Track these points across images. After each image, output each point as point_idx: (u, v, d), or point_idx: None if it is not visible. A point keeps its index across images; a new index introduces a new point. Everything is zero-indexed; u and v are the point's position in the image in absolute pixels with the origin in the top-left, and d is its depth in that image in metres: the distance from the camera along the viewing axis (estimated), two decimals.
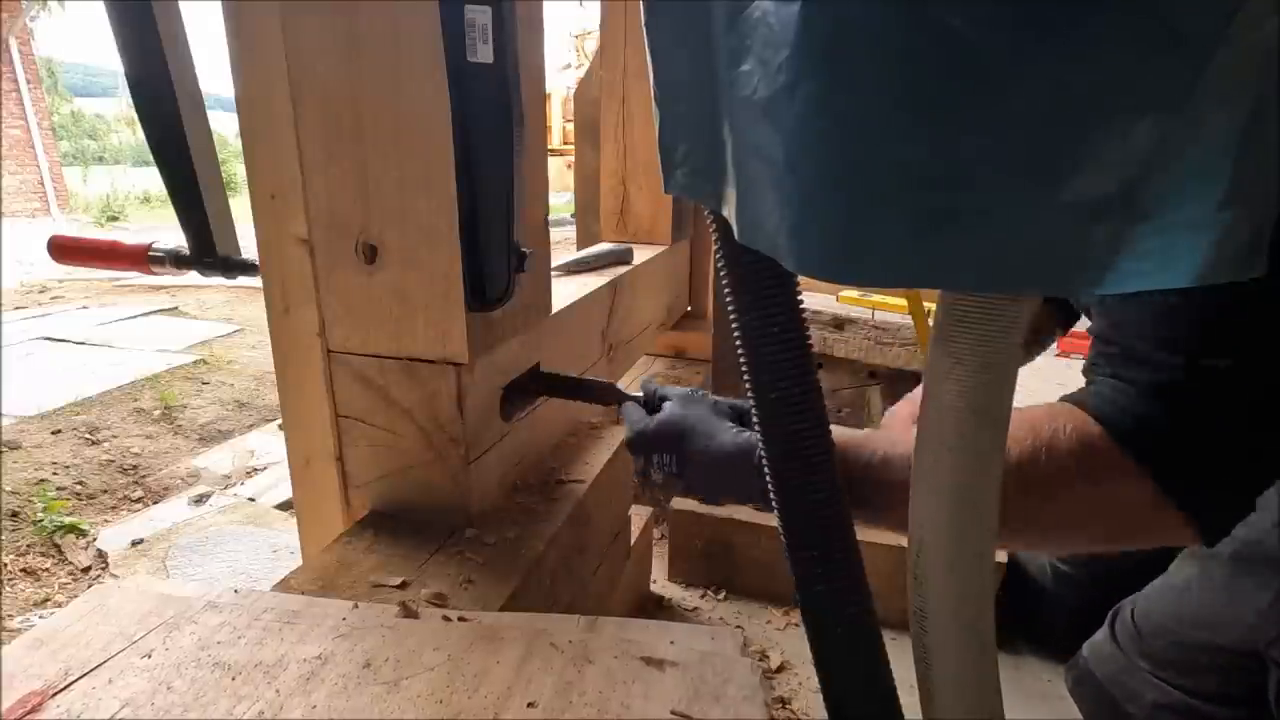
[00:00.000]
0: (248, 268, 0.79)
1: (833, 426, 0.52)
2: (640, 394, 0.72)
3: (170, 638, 0.49)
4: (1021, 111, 0.26)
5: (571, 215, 2.68)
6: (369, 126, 0.63)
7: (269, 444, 2.11)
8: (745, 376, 0.49)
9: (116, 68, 0.74)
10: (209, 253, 0.79)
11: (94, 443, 2.11)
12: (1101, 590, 0.97)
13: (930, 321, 0.43)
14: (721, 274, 0.48)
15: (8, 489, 1.78)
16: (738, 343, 0.49)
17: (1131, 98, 0.25)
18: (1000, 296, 0.35)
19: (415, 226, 0.65)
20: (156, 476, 1.94)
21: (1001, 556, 1.13)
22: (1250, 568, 0.74)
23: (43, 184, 9.71)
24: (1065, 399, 0.56)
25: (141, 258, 0.83)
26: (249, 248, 0.77)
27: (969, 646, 0.44)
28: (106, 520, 1.72)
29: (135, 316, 3.82)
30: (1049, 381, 2.38)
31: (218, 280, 0.85)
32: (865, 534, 0.52)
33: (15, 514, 1.68)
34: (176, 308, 4.05)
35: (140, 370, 2.77)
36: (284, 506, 1.72)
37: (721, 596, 1.22)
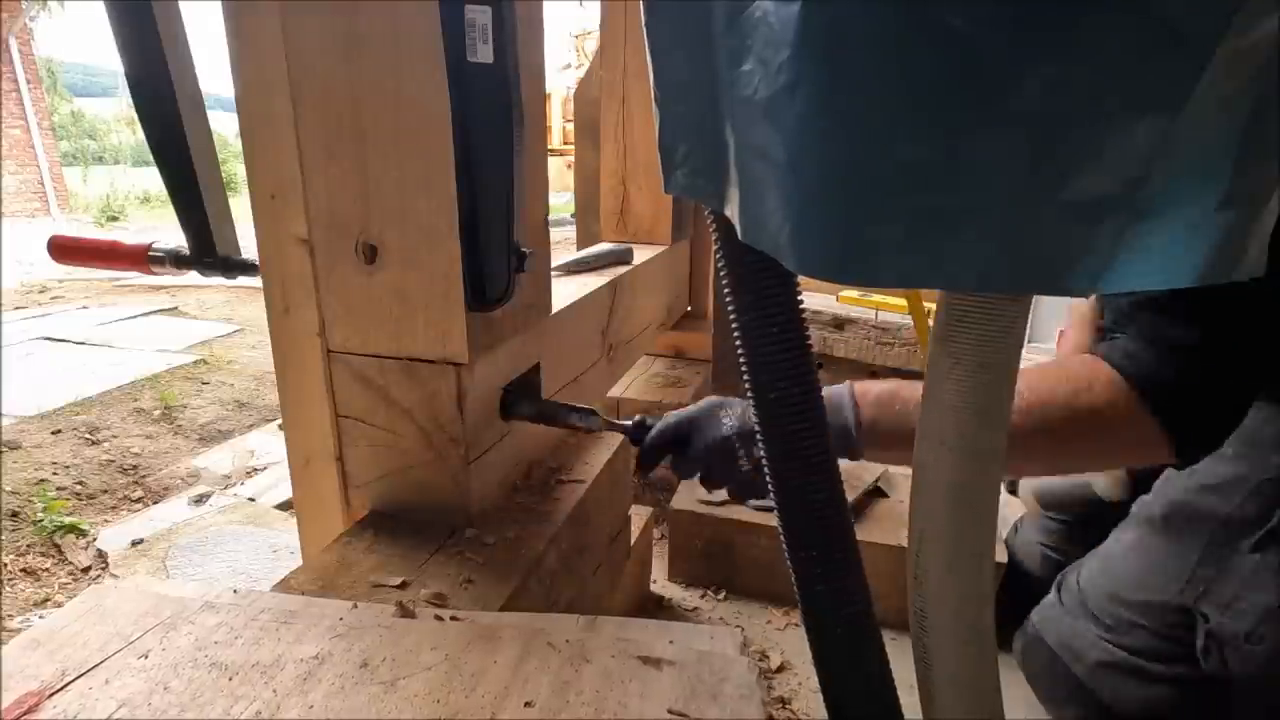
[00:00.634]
0: (248, 268, 0.79)
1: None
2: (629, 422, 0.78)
3: (167, 638, 0.49)
4: (1021, 111, 0.26)
5: (571, 215, 2.68)
6: (369, 126, 0.63)
7: (269, 444, 2.11)
8: (745, 376, 0.49)
9: (116, 68, 0.74)
10: (209, 253, 0.79)
11: (94, 443, 2.11)
12: None
13: (930, 321, 0.43)
14: (721, 274, 0.48)
15: (8, 489, 1.78)
16: (738, 343, 0.49)
17: (1131, 98, 0.25)
18: (1000, 296, 0.35)
19: (415, 226, 0.65)
20: (156, 476, 1.94)
21: (1001, 556, 1.13)
22: (1180, 528, 0.80)
23: (43, 184, 9.71)
24: (1093, 351, 0.68)
25: (141, 258, 0.83)
26: (249, 248, 0.77)
27: (969, 646, 0.44)
28: (106, 520, 1.72)
29: (135, 316, 3.82)
30: None
31: (218, 280, 0.85)
32: (865, 534, 0.52)
33: (15, 514, 1.68)
34: (176, 308, 4.04)
35: (140, 370, 2.77)
36: (284, 506, 1.72)
37: (721, 596, 1.22)
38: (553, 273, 0.99)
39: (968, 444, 0.39)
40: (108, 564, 1.53)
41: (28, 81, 9.33)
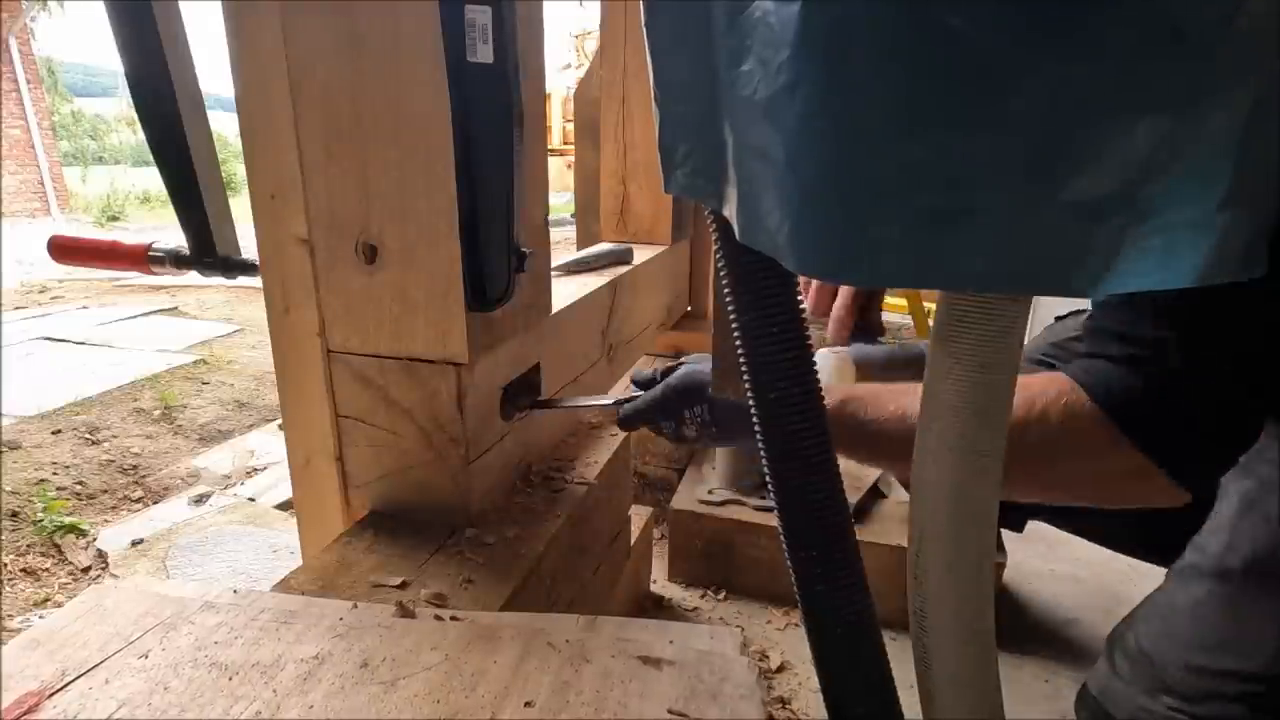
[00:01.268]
0: (248, 268, 0.78)
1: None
2: (632, 388, 0.81)
3: (167, 638, 0.49)
4: (1022, 111, 0.26)
5: (571, 215, 2.67)
6: (369, 126, 0.63)
7: (269, 444, 2.11)
8: (745, 376, 0.49)
9: (116, 68, 0.74)
10: (209, 253, 0.79)
11: (94, 443, 2.11)
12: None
13: (930, 321, 0.43)
14: (721, 274, 0.48)
15: (8, 489, 1.78)
16: (738, 343, 0.49)
17: (1131, 98, 0.25)
18: (1000, 296, 0.35)
19: (415, 226, 0.65)
20: (156, 476, 1.94)
21: (1001, 557, 1.13)
22: (1266, 584, 0.69)
23: (43, 184, 9.71)
24: (1061, 368, 0.62)
25: (141, 258, 0.83)
26: (249, 248, 0.76)
27: (969, 646, 0.44)
28: (106, 520, 1.72)
29: (135, 316, 3.82)
30: None
31: (218, 280, 0.85)
32: (865, 534, 0.52)
33: (15, 514, 1.68)
34: (176, 308, 4.04)
35: (140, 370, 2.77)
36: (284, 506, 1.72)
37: (721, 596, 1.22)
38: (553, 273, 0.99)
39: (968, 444, 0.39)
40: (108, 564, 1.53)
41: (28, 81, 9.33)
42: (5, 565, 1.50)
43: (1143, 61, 0.25)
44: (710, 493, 1.25)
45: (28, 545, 1.58)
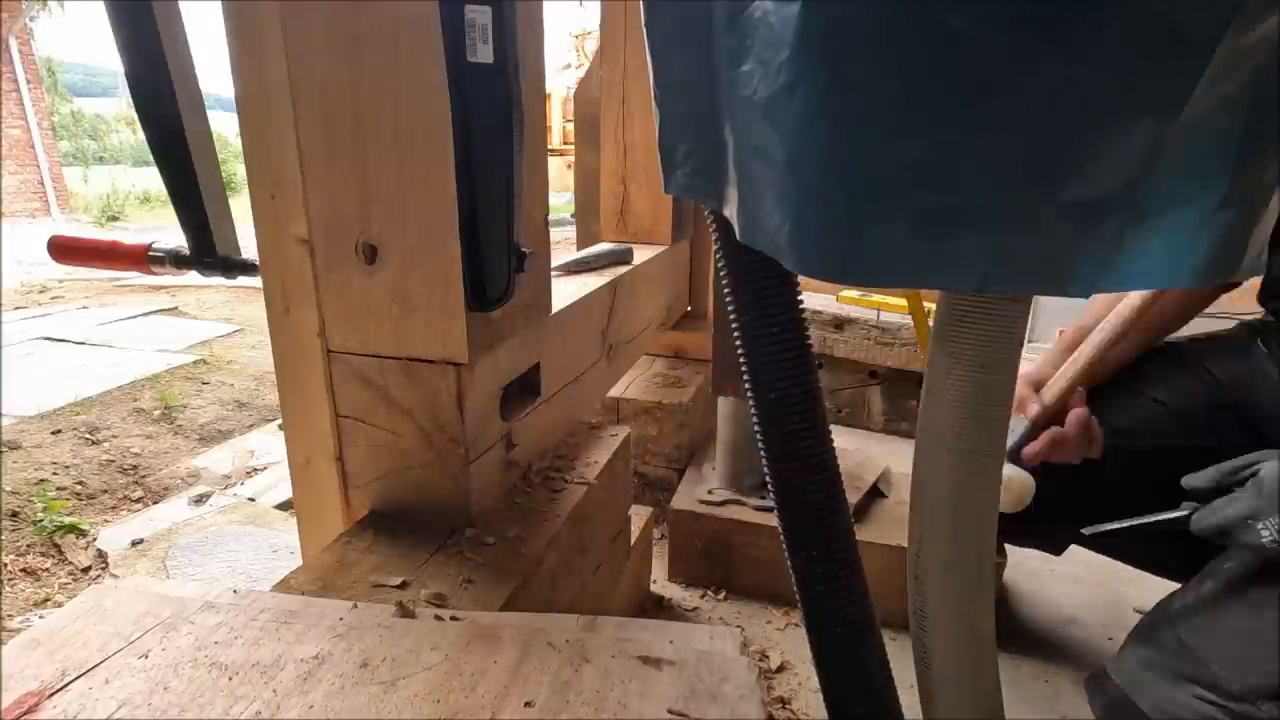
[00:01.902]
0: (248, 268, 0.78)
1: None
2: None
3: (167, 638, 0.49)
4: (1021, 111, 0.26)
5: (571, 215, 2.67)
6: (369, 126, 0.63)
7: (269, 444, 2.11)
8: (745, 376, 0.49)
9: (116, 68, 0.74)
10: (209, 253, 0.79)
11: (94, 443, 2.11)
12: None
13: (930, 321, 0.43)
14: (721, 274, 0.48)
15: (8, 489, 1.78)
16: (738, 343, 0.49)
17: (1131, 98, 0.25)
18: (1000, 296, 0.35)
19: (415, 226, 0.65)
20: (156, 476, 1.94)
21: (1001, 557, 1.13)
22: None
23: (43, 184, 9.70)
24: None
25: (141, 258, 0.83)
26: (249, 248, 0.76)
27: (969, 646, 0.44)
28: (106, 520, 1.72)
29: (135, 316, 3.82)
30: None
31: (218, 280, 0.85)
32: (865, 534, 0.52)
33: (15, 514, 1.68)
34: (176, 308, 4.04)
35: (140, 370, 2.77)
36: (284, 506, 1.72)
37: (721, 596, 1.22)
38: (553, 273, 0.99)
39: (968, 444, 0.39)
40: (108, 564, 1.53)
41: (28, 81, 9.32)
42: (5, 565, 1.50)
43: (1143, 61, 0.25)
44: (710, 493, 1.25)
45: (28, 545, 1.58)
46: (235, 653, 0.48)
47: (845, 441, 1.51)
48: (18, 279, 4.88)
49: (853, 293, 2.05)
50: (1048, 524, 0.93)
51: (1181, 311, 0.96)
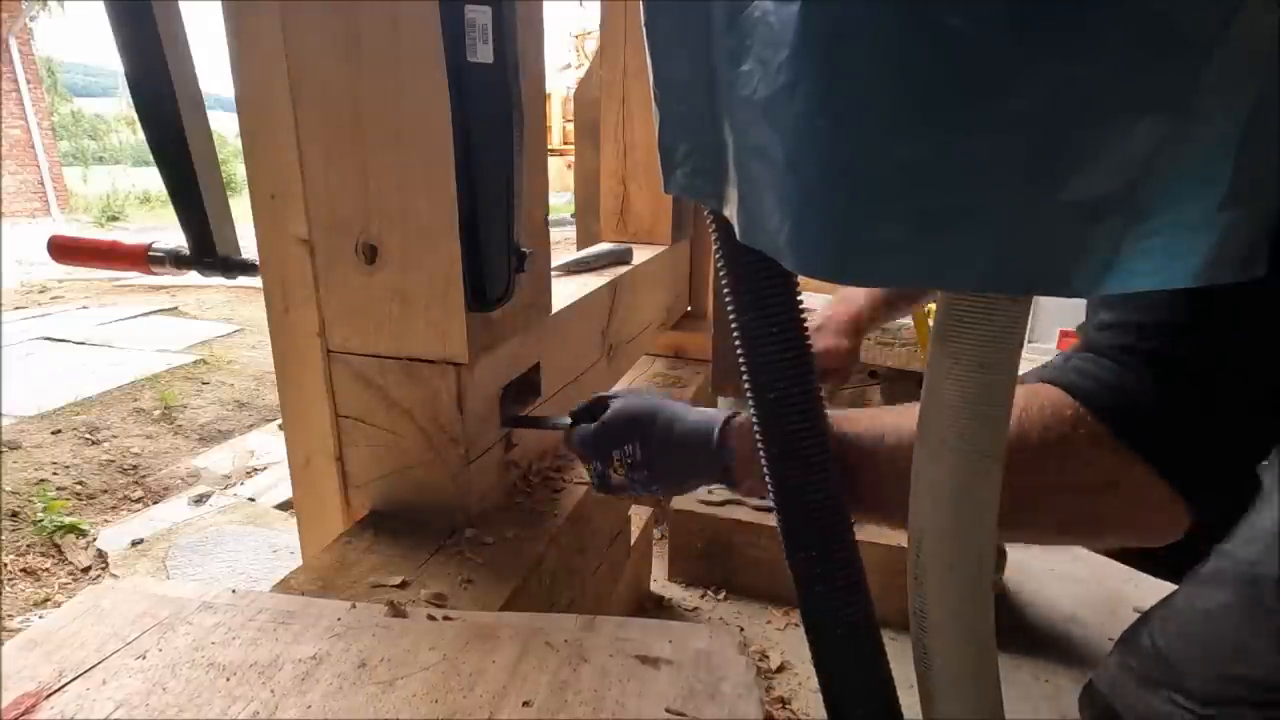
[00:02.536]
0: (248, 268, 0.78)
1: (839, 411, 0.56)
2: (569, 414, 0.71)
3: (165, 638, 0.49)
4: (1021, 111, 0.26)
5: (571, 215, 2.68)
6: (369, 126, 0.63)
7: (269, 444, 2.11)
8: (745, 376, 0.49)
9: (116, 68, 0.74)
10: (209, 253, 0.79)
11: (94, 443, 2.11)
12: None
13: (930, 321, 0.43)
14: (721, 274, 0.48)
15: (8, 489, 1.78)
16: (737, 343, 0.49)
17: (1131, 98, 0.25)
18: (1000, 296, 0.35)
19: (415, 226, 0.64)
20: (156, 476, 1.94)
21: (1001, 557, 1.13)
22: None
23: (43, 184, 9.71)
24: (1042, 378, 0.54)
25: (141, 258, 0.83)
26: (249, 248, 0.76)
27: (969, 646, 0.44)
28: (106, 520, 1.72)
29: (135, 316, 3.82)
30: None
31: (218, 280, 0.85)
32: (865, 534, 0.52)
33: (15, 514, 1.68)
34: (176, 308, 4.05)
35: (140, 370, 2.77)
36: (284, 506, 1.72)
37: (721, 596, 1.22)
38: (553, 273, 0.99)
39: (968, 444, 0.39)
40: (108, 564, 1.53)
41: (28, 81, 9.33)
42: (5, 565, 1.50)
43: (1143, 61, 0.25)
44: (710, 493, 1.25)
45: (28, 545, 1.58)
46: (233, 653, 0.48)
47: None
48: (18, 279, 4.88)
49: None
50: None
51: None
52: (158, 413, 2.36)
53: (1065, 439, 0.49)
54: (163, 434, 2.22)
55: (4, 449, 2.01)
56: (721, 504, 1.22)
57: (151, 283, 4.56)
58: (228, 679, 0.46)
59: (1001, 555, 1.19)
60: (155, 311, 3.95)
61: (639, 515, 1.12)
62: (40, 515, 1.66)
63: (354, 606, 0.54)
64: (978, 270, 0.29)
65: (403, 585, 0.62)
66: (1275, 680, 0.63)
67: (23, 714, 0.42)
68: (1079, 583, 1.27)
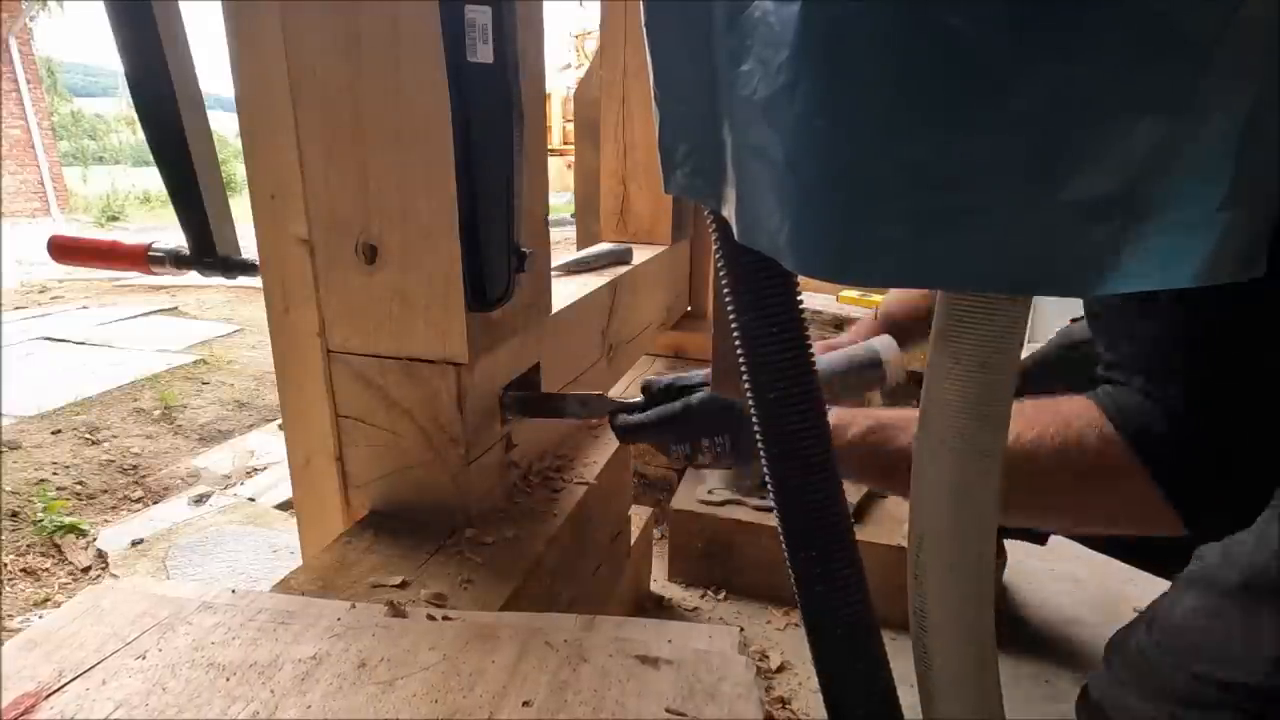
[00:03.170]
0: (248, 268, 0.78)
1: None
2: (638, 397, 0.76)
3: (164, 639, 0.49)
4: (1021, 111, 0.26)
5: (571, 215, 2.67)
6: (369, 126, 0.63)
7: (269, 444, 2.11)
8: (745, 377, 0.49)
9: (116, 68, 0.74)
10: (209, 253, 0.79)
11: (94, 443, 2.11)
12: None
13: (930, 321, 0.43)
14: (721, 274, 0.48)
15: (8, 489, 1.78)
16: (737, 343, 0.49)
17: (1131, 98, 0.25)
18: (1000, 296, 0.35)
19: (415, 226, 0.64)
20: (156, 476, 1.94)
21: (1001, 557, 1.13)
22: (1263, 598, 0.68)
23: (43, 184, 9.71)
24: (1088, 395, 0.62)
25: (141, 258, 0.83)
26: (249, 248, 0.76)
27: (969, 646, 0.44)
28: (106, 520, 1.72)
29: (135, 316, 3.82)
30: None
31: (218, 280, 0.85)
32: (865, 534, 0.52)
33: (15, 514, 1.68)
34: (176, 308, 4.04)
35: (140, 370, 2.77)
36: (284, 506, 1.72)
37: (721, 596, 1.22)
38: (553, 273, 0.99)
39: (968, 444, 0.39)
40: (108, 564, 1.53)
41: (28, 81, 9.33)
42: (5, 565, 1.50)
43: (1143, 61, 0.25)
44: (710, 493, 1.25)
45: (28, 545, 1.58)
46: (233, 653, 0.48)
47: None
48: (18, 279, 4.88)
49: (853, 293, 2.05)
50: None
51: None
52: (158, 413, 2.36)
53: (1105, 456, 0.59)
54: (163, 434, 2.22)
55: (4, 449, 2.01)
56: (721, 504, 1.22)
57: (151, 283, 4.56)
58: (227, 679, 0.46)
59: (1001, 555, 1.19)
60: (155, 311, 3.95)
61: (639, 515, 1.12)
62: (40, 515, 1.66)
63: (354, 607, 0.54)
64: (978, 270, 0.29)
65: (403, 585, 0.62)
66: (1254, 682, 0.65)
67: (22, 714, 0.42)
68: (1079, 583, 1.27)
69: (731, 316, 0.48)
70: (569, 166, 6.36)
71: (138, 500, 1.83)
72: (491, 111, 0.61)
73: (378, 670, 0.47)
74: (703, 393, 0.72)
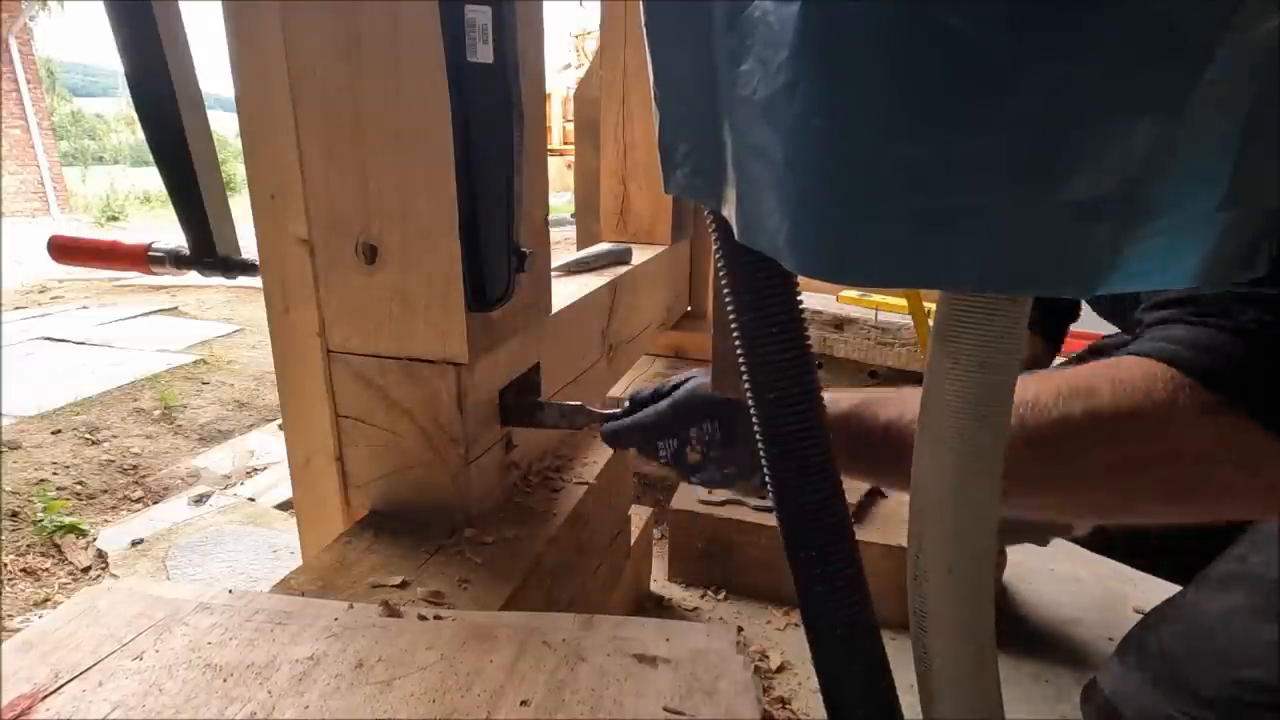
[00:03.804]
0: (248, 268, 0.78)
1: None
2: (623, 404, 0.71)
3: (161, 639, 0.49)
4: (1021, 111, 0.26)
5: (571, 215, 2.67)
6: (369, 126, 0.63)
7: (269, 444, 2.11)
8: (745, 376, 0.49)
9: (116, 68, 0.74)
10: (209, 253, 0.79)
11: (94, 443, 2.11)
12: None
13: (930, 321, 0.43)
14: (721, 274, 0.48)
15: (8, 489, 1.78)
16: (737, 343, 0.49)
17: (1131, 98, 0.25)
18: (1000, 296, 0.35)
19: (415, 226, 0.64)
20: (156, 476, 1.94)
21: (1001, 557, 1.13)
22: None
23: (43, 184, 9.72)
24: (1131, 351, 0.53)
25: (141, 258, 0.83)
26: (249, 248, 0.76)
27: (969, 646, 0.44)
28: (106, 520, 1.72)
29: (135, 316, 3.82)
30: None
31: (218, 280, 0.85)
32: (865, 534, 0.52)
33: (15, 514, 1.68)
34: (176, 308, 4.04)
35: (140, 370, 2.77)
36: (284, 506, 1.72)
37: (721, 596, 1.22)
38: (553, 273, 0.99)
39: (968, 444, 0.39)
40: (108, 564, 1.53)
41: (28, 81, 9.34)
42: (5, 565, 1.50)
43: (1143, 61, 0.25)
44: (710, 493, 1.25)
45: (28, 545, 1.58)
46: (230, 654, 0.48)
47: None
48: (18, 279, 4.88)
49: (853, 293, 2.05)
50: None
51: None
52: (158, 413, 2.36)
53: (1168, 406, 0.49)
54: (163, 434, 2.22)
55: (4, 449, 2.01)
56: (721, 504, 1.22)
57: (151, 283, 4.56)
58: (224, 680, 0.45)
59: (1001, 555, 1.19)
60: (155, 311, 3.95)
61: (639, 515, 1.12)
62: (40, 515, 1.66)
63: (351, 607, 0.54)
64: (977, 270, 0.29)
65: (402, 585, 0.61)
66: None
67: (19, 715, 0.42)
68: (1079, 583, 1.27)
69: (731, 316, 0.48)
70: (569, 166, 6.36)
71: (138, 500, 1.83)
72: (491, 111, 0.61)
73: (375, 670, 0.47)
74: (690, 384, 0.68)
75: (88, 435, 2.16)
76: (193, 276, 0.86)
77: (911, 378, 1.91)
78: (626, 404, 0.72)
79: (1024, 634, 1.15)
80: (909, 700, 0.49)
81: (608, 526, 0.93)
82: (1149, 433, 0.50)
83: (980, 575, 0.43)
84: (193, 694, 0.44)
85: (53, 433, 2.15)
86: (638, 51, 1.46)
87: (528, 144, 0.66)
